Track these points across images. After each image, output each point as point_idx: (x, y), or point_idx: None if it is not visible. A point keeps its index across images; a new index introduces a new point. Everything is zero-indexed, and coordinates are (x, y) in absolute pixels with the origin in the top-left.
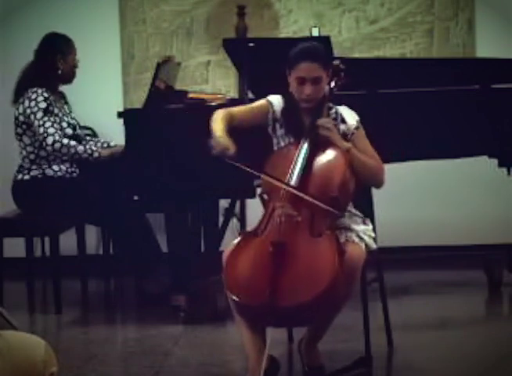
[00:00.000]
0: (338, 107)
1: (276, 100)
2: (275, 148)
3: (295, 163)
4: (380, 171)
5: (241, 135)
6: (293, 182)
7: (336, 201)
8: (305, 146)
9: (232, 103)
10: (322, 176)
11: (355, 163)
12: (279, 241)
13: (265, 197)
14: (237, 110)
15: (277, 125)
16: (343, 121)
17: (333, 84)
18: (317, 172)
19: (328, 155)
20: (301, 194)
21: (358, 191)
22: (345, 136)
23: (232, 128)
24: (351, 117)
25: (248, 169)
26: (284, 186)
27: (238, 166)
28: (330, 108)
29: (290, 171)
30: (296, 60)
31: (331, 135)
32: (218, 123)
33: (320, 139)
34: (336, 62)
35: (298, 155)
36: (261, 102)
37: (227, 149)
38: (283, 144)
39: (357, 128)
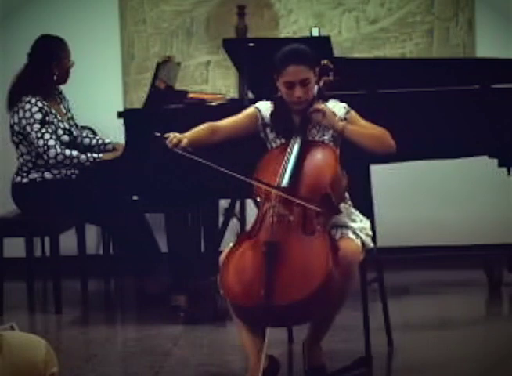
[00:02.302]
0: (327, 103)
1: (264, 106)
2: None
3: (286, 162)
4: (384, 135)
5: (240, 146)
6: (284, 181)
7: (328, 198)
8: (296, 145)
9: (232, 102)
10: (314, 174)
11: (356, 138)
12: (272, 241)
13: (258, 198)
14: (224, 121)
15: (267, 130)
16: (333, 114)
17: (321, 83)
18: (308, 170)
19: (318, 153)
20: (288, 197)
21: (358, 191)
22: None
23: (222, 139)
24: (339, 108)
25: (199, 159)
26: (271, 189)
27: (192, 158)
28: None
29: (282, 171)
30: (281, 65)
31: (325, 117)
32: (192, 130)
33: (312, 135)
34: (324, 61)
35: (289, 154)
36: (249, 109)
37: (180, 140)
38: (274, 146)
39: (347, 112)
